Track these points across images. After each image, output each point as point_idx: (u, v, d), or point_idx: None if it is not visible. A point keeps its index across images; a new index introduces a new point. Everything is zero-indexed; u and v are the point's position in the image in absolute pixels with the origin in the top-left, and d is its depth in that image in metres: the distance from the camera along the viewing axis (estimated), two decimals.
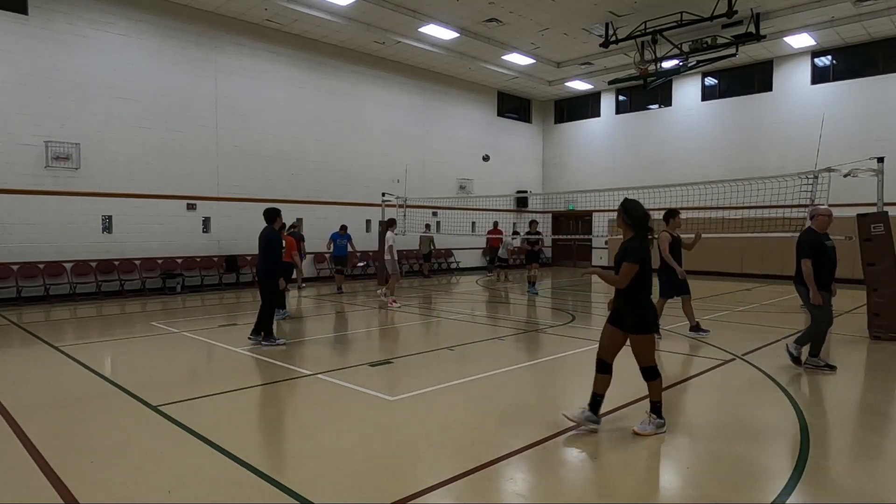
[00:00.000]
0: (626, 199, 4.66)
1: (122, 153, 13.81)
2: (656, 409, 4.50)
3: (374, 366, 6.75)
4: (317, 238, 17.37)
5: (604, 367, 4.56)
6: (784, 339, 8.55)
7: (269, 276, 7.87)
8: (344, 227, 15.18)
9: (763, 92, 19.59)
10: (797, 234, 9.45)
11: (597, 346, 4.69)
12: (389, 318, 10.97)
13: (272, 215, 8.05)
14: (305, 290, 15.09)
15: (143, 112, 14.11)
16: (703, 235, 8.63)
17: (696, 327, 8.55)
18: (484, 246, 20.85)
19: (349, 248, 14.98)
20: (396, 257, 12.20)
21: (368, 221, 18.54)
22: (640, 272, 4.39)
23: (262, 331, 7.86)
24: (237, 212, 15.54)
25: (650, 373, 4.48)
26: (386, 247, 12.17)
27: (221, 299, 13.32)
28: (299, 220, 14.46)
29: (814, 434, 4.42)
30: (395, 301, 12.12)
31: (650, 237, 4.52)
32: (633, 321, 4.43)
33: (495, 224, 19.07)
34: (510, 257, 19.99)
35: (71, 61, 13.05)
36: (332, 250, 15.01)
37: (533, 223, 14.86)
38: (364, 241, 17.97)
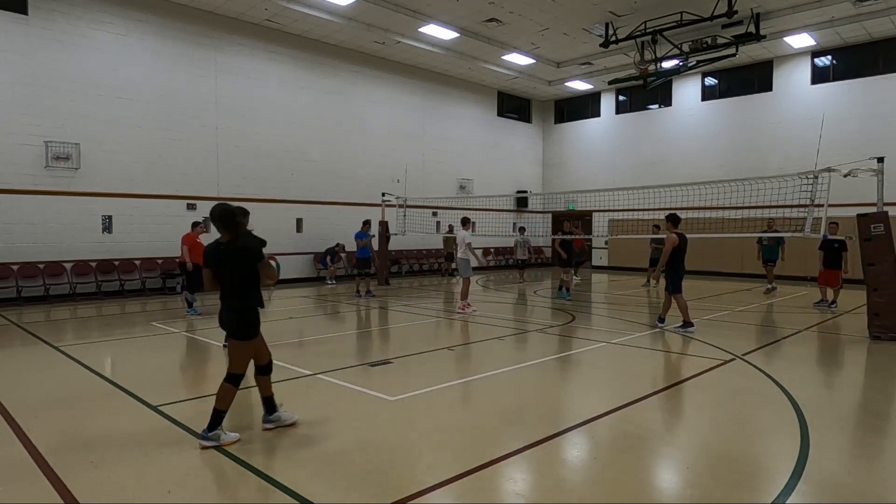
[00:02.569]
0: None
1: (122, 153, 13.81)
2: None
3: (374, 366, 6.75)
4: (316, 238, 17.42)
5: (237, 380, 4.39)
6: (784, 339, 8.56)
7: None
8: (367, 223, 14.17)
9: (763, 92, 19.58)
10: (797, 235, 9.53)
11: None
12: (389, 318, 10.97)
13: (239, 214, 7.97)
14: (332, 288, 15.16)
15: (143, 112, 14.12)
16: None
17: (681, 323, 9.07)
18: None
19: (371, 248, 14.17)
20: (470, 258, 11.30)
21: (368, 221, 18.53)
22: (216, 276, 4.37)
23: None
24: None
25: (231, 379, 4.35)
26: (462, 246, 11.29)
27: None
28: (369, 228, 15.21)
29: (814, 434, 4.41)
30: (468, 305, 11.10)
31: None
32: None
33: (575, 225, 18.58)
34: (530, 257, 19.69)
35: (71, 61, 13.05)
36: (357, 252, 13.93)
37: (566, 223, 13.91)
38: None
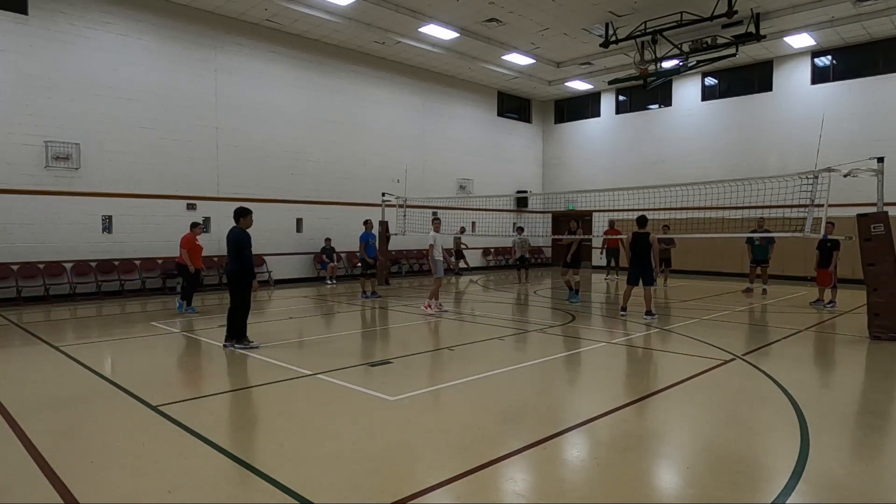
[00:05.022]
0: None
1: (122, 153, 13.80)
2: None
3: (374, 366, 6.75)
4: (316, 238, 17.42)
5: None
6: (784, 339, 8.56)
7: (238, 276, 7.62)
8: (368, 223, 13.85)
9: (763, 92, 19.57)
10: (797, 235, 9.53)
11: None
12: (389, 318, 10.96)
13: (238, 214, 7.98)
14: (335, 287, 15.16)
15: (143, 112, 14.11)
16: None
17: (649, 312, 10.18)
18: (599, 247, 18.80)
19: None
20: (440, 258, 11.13)
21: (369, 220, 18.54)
22: None
23: (236, 334, 7.65)
24: None
25: None
26: (428, 247, 11.25)
27: (221, 299, 13.31)
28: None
29: (814, 434, 4.41)
30: (429, 306, 11.09)
31: None
32: None
33: (612, 224, 17.91)
34: (530, 255, 19.58)
35: (71, 61, 13.04)
36: (366, 252, 13.65)
37: (572, 222, 13.48)
38: None
